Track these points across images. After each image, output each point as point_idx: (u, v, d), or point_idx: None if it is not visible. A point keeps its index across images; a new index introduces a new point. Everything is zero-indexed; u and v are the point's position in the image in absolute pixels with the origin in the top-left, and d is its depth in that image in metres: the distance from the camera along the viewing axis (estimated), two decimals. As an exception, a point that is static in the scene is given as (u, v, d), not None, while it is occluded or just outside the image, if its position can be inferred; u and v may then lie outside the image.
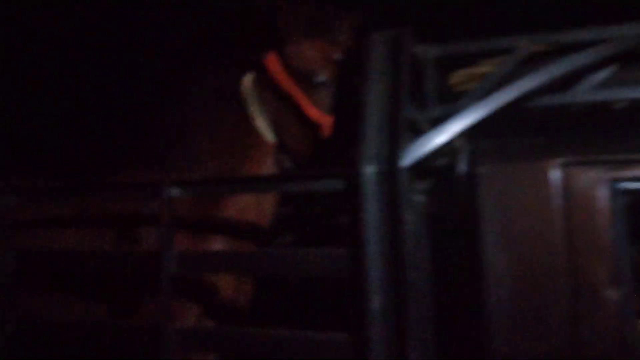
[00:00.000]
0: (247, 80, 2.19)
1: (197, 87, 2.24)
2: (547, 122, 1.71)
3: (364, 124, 1.59)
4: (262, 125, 2.14)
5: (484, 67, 2.54)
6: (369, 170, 1.53)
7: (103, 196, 2.03)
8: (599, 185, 1.50)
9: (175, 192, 1.86)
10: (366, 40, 1.74)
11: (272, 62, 2.14)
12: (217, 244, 2.09)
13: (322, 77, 2.13)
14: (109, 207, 2.19)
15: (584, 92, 1.69)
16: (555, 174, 1.54)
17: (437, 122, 1.81)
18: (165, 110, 2.30)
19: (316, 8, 2.15)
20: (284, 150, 2.16)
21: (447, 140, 1.54)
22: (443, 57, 1.89)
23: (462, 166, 1.65)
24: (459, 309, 1.60)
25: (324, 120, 2.08)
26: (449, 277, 1.65)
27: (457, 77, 2.64)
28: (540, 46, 1.80)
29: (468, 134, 1.65)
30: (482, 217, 1.56)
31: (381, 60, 1.68)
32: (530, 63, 1.78)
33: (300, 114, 2.10)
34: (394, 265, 1.48)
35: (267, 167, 2.15)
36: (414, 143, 1.52)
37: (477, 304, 1.54)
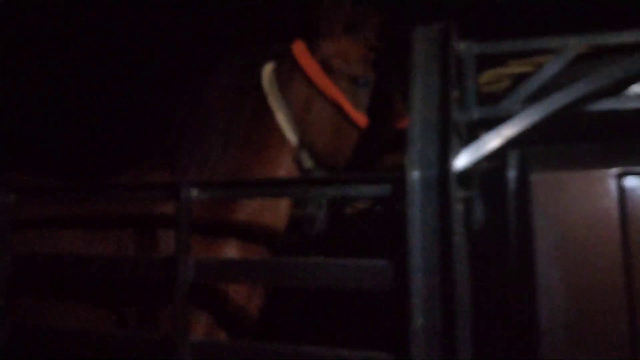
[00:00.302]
0: (267, 70, 2.05)
1: (210, 80, 2.10)
2: (598, 128, 1.60)
3: (410, 125, 1.46)
4: (284, 122, 2.00)
5: (513, 68, 2.45)
6: (417, 175, 1.40)
7: (114, 197, 1.87)
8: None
9: (194, 193, 1.72)
10: (409, 35, 1.61)
11: (302, 54, 2.00)
12: (230, 249, 1.95)
13: (365, 77, 2.01)
14: (120, 208, 2.04)
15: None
16: (612, 184, 1.43)
17: (479, 124, 1.71)
18: (174, 106, 2.15)
19: (352, 5, 2.03)
20: (310, 151, 2.01)
21: (502, 145, 1.42)
22: (484, 56, 1.78)
23: (511, 173, 1.53)
24: (507, 326, 1.48)
25: (365, 123, 1.96)
26: (492, 291, 1.54)
27: (485, 77, 2.54)
28: (590, 47, 1.70)
29: (514, 139, 1.54)
30: (534, 228, 1.45)
31: (427, 57, 1.55)
32: (578, 64, 1.68)
33: (338, 114, 1.97)
34: (441, 280, 1.35)
35: (285, 168, 2.01)
36: (467, 147, 1.40)
37: (528, 320, 1.42)
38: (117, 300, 1.91)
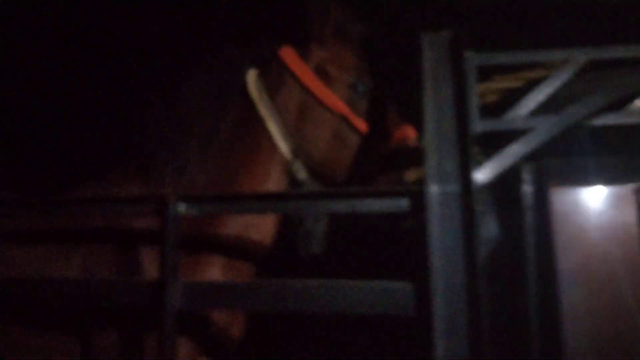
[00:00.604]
0: (252, 75, 1.91)
1: (188, 83, 1.93)
2: (611, 141, 1.57)
3: (427, 136, 1.37)
4: (275, 131, 1.87)
5: (500, 83, 2.43)
6: (437, 189, 1.31)
7: (87, 212, 1.66)
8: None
9: (181, 208, 1.55)
10: (416, 42, 1.53)
11: (293, 60, 1.88)
12: (214, 268, 1.78)
13: (364, 84, 1.91)
14: (85, 223, 1.83)
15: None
16: (632, 199, 1.39)
17: (483, 137, 1.64)
18: (147, 109, 1.97)
19: (340, 9, 1.92)
20: (305, 161, 1.89)
21: (525, 158, 1.35)
22: (485, 67, 1.72)
23: (527, 187, 1.47)
24: (530, 348, 1.40)
25: (366, 131, 1.86)
26: (509, 313, 1.46)
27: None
28: (593, 60, 1.67)
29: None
30: (554, 246, 1.38)
31: (436, 65, 1.47)
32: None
33: (338, 123, 1.86)
34: (466, 303, 1.26)
35: (274, 180, 1.86)
36: (492, 159, 1.32)
37: (552, 341, 1.35)
38: (90, 328, 1.70)
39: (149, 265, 1.69)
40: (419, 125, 1.86)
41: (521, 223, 1.46)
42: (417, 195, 1.32)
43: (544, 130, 1.37)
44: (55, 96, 2.76)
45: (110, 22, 2.54)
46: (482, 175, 1.32)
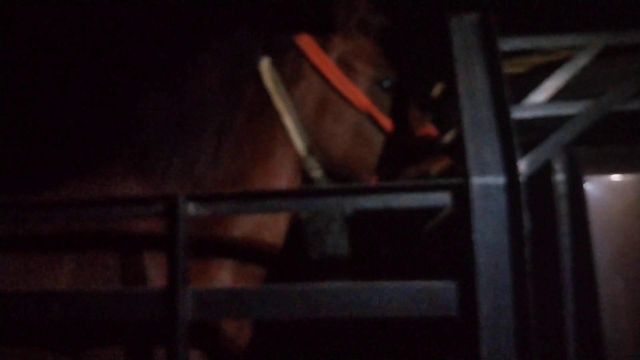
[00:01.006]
0: (265, 65, 1.76)
1: (195, 71, 1.76)
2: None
3: (464, 126, 1.29)
4: (291, 125, 1.73)
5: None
6: (482, 181, 1.23)
7: (85, 214, 1.47)
8: None
9: (192, 209, 1.40)
10: (444, 27, 1.43)
11: (314, 50, 1.75)
12: (225, 273, 1.64)
13: (390, 79, 1.80)
14: (90, 227, 1.63)
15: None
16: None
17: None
18: (143, 100, 1.78)
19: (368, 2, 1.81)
20: (323, 159, 1.76)
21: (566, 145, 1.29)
22: (507, 52, 1.66)
23: (559, 176, 1.42)
24: (568, 340, 1.36)
25: (391, 128, 1.75)
26: (546, 305, 1.41)
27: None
28: (610, 45, 1.65)
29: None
30: (591, 236, 1.34)
31: (468, 50, 1.39)
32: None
33: (362, 119, 1.74)
34: (514, 303, 1.19)
35: (287, 177, 1.73)
36: (538, 149, 1.25)
37: (592, 332, 1.31)
38: (89, 346, 1.52)
39: (154, 272, 1.53)
40: (449, 117, 1.78)
41: (554, 213, 1.41)
42: (460, 189, 1.23)
43: (585, 116, 1.32)
44: (36, 84, 2.44)
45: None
46: (523, 165, 1.25)
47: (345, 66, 1.78)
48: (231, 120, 1.69)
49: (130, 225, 1.59)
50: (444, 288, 1.23)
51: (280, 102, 1.72)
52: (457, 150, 1.31)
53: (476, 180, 1.23)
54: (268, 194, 1.37)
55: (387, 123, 1.78)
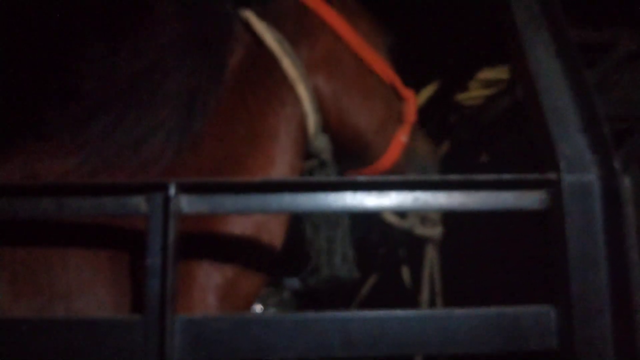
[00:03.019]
0: (254, 19, 1.41)
1: (154, 22, 1.34)
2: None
3: (549, 115, 1.05)
4: (306, 98, 1.38)
5: (488, 74, 2.23)
6: (574, 178, 1.00)
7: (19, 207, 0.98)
8: None
9: (185, 201, 1.00)
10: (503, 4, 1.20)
11: (318, 3, 1.42)
12: (215, 277, 1.22)
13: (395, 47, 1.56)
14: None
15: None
16: None
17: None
18: (84, 56, 1.32)
19: None
20: (337, 135, 1.45)
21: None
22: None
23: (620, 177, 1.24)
24: None
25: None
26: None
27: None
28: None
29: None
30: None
31: (539, 30, 1.16)
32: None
33: (379, 85, 1.46)
34: (624, 330, 0.97)
35: (293, 164, 1.38)
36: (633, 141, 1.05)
37: None
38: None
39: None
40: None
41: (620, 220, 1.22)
42: (553, 186, 0.99)
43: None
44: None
45: None
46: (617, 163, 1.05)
47: (357, 27, 1.51)
48: (208, 89, 1.30)
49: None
50: (540, 313, 0.96)
51: (291, 68, 1.38)
52: (537, 142, 1.07)
53: (568, 178, 0.99)
54: (310, 185, 1.00)
55: (409, 95, 1.52)
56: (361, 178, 0.99)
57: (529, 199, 1.00)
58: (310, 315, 0.98)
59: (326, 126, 1.45)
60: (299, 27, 1.44)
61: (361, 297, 2.06)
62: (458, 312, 0.96)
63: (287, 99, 1.39)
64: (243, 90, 1.36)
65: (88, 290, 1.09)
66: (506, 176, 0.99)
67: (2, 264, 1.11)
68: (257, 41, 1.40)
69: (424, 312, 1.00)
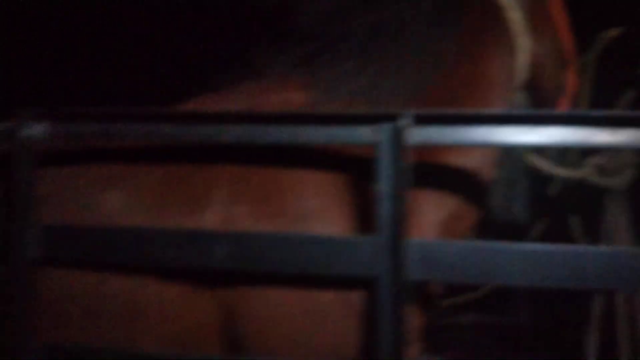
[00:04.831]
0: None
1: None
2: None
3: None
4: (523, 51, 1.40)
5: None
6: None
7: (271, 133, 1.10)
8: None
9: (415, 132, 1.03)
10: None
11: None
12: (441, 213, 1.28)
13: None
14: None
15: None
16: None
17: None
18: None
19: None
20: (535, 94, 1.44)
21: None
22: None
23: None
24: None
25: None
26: None
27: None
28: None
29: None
30: None
31: None
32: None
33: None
34: None
35: (499, 107, 1.38)
36: None
37: None
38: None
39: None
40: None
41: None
42: None
43: None
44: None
45: None
46: None
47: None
48: (446, 45, 1.34)
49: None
50: None
51: (517, 21, 1.40)
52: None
53: None
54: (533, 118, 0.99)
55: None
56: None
57: None
58: (539, 246, 0.99)
59: (529, 85, 1.45)
60: None
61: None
62: None
63: (507, 50, 1.40)
64: (468, 37, 1.38)
65: (321, 214, 1.21)
66: None
67: (241, 188, 1.25)
68: None
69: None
